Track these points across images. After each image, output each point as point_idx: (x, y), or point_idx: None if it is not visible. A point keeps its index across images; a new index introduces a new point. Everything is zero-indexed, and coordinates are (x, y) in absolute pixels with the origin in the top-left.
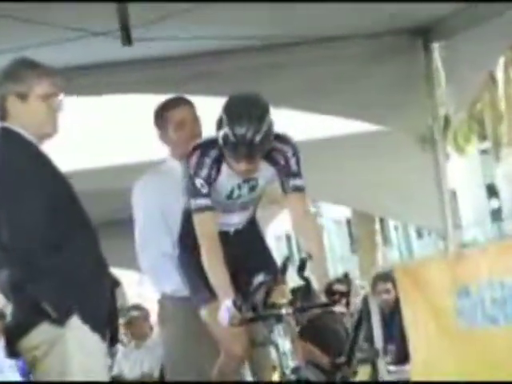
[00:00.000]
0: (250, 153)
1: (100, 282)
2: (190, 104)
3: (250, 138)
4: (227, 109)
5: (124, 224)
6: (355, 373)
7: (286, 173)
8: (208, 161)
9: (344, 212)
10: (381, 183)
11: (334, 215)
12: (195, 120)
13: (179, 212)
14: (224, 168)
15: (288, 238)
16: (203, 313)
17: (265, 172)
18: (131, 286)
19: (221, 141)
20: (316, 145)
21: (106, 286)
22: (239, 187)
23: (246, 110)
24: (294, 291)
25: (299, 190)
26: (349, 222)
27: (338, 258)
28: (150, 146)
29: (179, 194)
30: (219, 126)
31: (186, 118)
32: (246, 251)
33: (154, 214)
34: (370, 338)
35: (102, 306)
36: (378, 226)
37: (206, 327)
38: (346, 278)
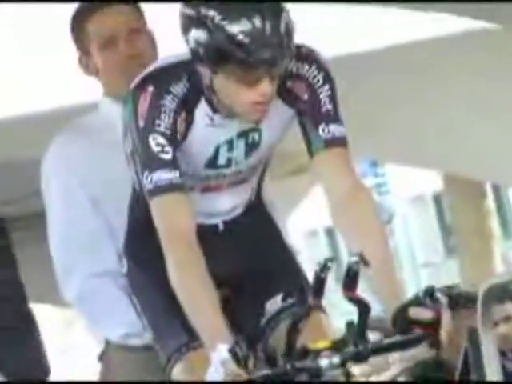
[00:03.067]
0: (272, 58)
1: None
2: (126, 3)
3: (270, 29)
4: None
5: (32, 221)
6: None
7: (314, 114)
8: (170, 101)
9: (428, 183)
10: (495, 132)
11: (408, 189)
12: (139, 32)
13: (125, 197)
14: (200, 112)
15: (329, 233)
16: (177, 371)
17: (275, 116)
18: (53, 333)
19: (202, 51)
20: (369, 61)
21: None
22: (229, 145)
23: None
24: (348, 325)
25: (339, 143)
26: (437, 199)
27: (418, 264)
28: (68, 81)
29: (124, 165)
30: (188, 28)
31: (118, 29)
32: (250, 257)
33: (81, 205)
34: None
35: None
36: (492, 206)
37: None
38: (430, 299)
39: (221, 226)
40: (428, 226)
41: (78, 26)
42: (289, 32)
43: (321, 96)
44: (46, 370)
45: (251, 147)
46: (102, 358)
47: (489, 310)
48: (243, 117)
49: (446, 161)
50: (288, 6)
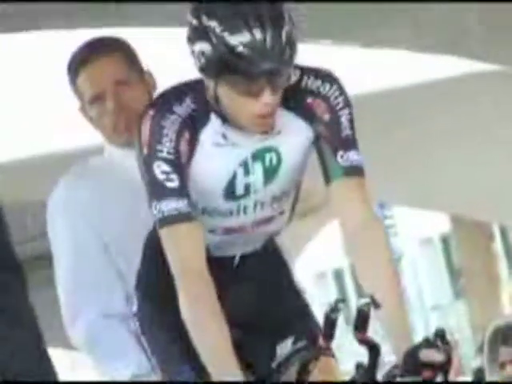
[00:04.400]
0: (274, 68)
1: None
2: (114, 52)
3: (271, 39)
4: (211, 5)
5: (35, 266)
6: None
7: (334, 139)
8: (170, 123)
9: (436, 225)
10: (502, 174)
11: (416, 231)
12: (126, 83)
13: (136, 238)
14: (207, 131)
15: (337, 275)
16: None
17: (292, 134)
18: (60, 373)
19: (205, 62)
20: (375, 102)
21: None
22: (245, 168)
23: (249, 3)
24: (357, 366)
25: (358, 171)
26: (445, 241)
27: (428, 306)
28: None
29: (134, 205)
30: (192, 39)
31: (104, 84)
32: (262, 296)
33: (89, 247)
34: None
35: None
36: (499, 247)
37: None
38: (442, 339)
39: (237, 260)
40: (436, 268)
41: (70, 79)
42: (291, 40)
43: (342, 119)
44: None
45: (271, 172)
46: None
47: (495, 350)
48: (249, 128)
49: (452, 202)
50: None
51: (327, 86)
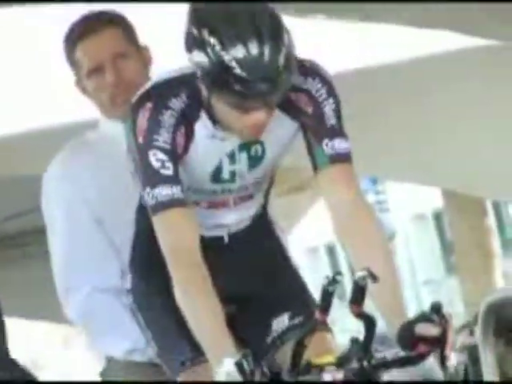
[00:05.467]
0: (269, 91)
1: None
2: (112, 25)
3: (268, 62)
4: (210, 16)
5: (31, 240)
6: None
7: (319, 129)
8: (168, 117)
9: (428, 201)
10: (496, 149)
11: (408, 207)
12: (125, 56)
13: (129, 214)
14: (200, 125)
15: (330, 251)
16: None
17: (278, 129)
18: (52, 350)
19: (201, 73)
20: (376, 76)
21: None
22: (232, 158)
23: (247, 16)
24: (352, 341)
25: (343, 158)
26: (438, 217)
27: (420, 281)
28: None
29: (129, 180)
30: (190, 47)
31: (102, 56)
32: (255, 273)
33: (84, 222)
34: None
35: None
36: (492, 222)
37: None
38: (437, 315)
39: (226, 239)
40: (429, 243)
41: (67, 52)
42: (289, 62)
43: (325, 110)
44: None
45: (254, 160)
46: (103, 375)
47: (489, 326)
48: (239, 135)
49: (446, 178)
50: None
51: (309, 80)
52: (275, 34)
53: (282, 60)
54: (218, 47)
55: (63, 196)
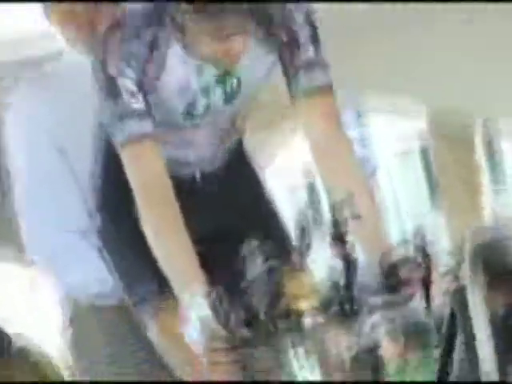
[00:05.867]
0: (245, 15)
1: None
2: None
3: None
4: None
5: None
6: None
7: (294, 59)
8: (139, 45)
9: (415, 136)
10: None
11: (393, 143)
12: None
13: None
14: (172, 55)
15: (311, 188)
16: (152, 326)
17: (254, 61)
18: (18, 294)
19: None
20: None
21: None
22: (207, 92)
23: None
24: (333, 284)
25: (321, 90)
26: (424, 153)
27: (404, 219)
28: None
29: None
30: None
31: None
32: (230, 213)
33: (46, 155)
34: (473, 363)
35: None
36: (482, 160)
37: (162, 355)
38: (423, 254)
39: (198, 177)
40: (414, 181)
41: None
42: None
43: (301, 39)
44: None
45: (230, 94)
46: (71, 320)
47: (477, 267)
48: (214, 64)
49: (431, 96)
50: None
51: (286, 8)
52: None
53: None
54: None
55: (21, 128)
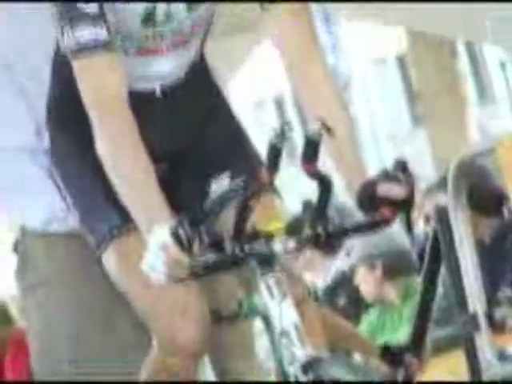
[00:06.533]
0: None
1: None
2: None
3: None
4: None
5: None
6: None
7: None
8: None
9: (391, 43)
10: None
11: (367, 50)
12: None
13: (44, 61)
14: None
15: (278, 104)
16: (108, 257)
17: None
18: None
19: None
20: None
21: None
22: None
23: None
24: (305, 205)
25: None
26: (402, 61)
27: (384, 136)
28: None
29: (43, 25)
30: None
31: None
32: (192, 128)
33: None
34: (458, 291)
35: None
36: (465, 67)
37: (118, 289)
38: (402, 173)
39: (158, 91)
40: (391, 92)
41: None
42: None
43: None
44: None
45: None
46: (17, 249)
47: (460, 186)
48: None
49: (410, 15)
50: None
51: None
52: None
53: None
54: None
55: None
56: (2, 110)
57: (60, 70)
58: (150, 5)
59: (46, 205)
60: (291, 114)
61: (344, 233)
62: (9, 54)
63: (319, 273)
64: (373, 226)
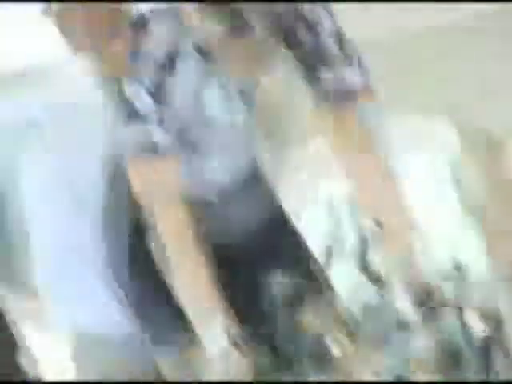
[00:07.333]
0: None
1: None
2: None
3: None
4: None
5: None
6: None
7: (315, 57)
8: (151, 47)
9: (442, 132)
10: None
11: (419, 150)
12: None
13: (100, 172)
14: (186, 59)
15: (330, 203)
16: (167, 365)
17: (274, 64)
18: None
19: None
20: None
21: None
22: (223, 94)
23: None
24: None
25: (345, 95)
26: (454, 165)
27: (436, 235)
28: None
29: (96, 130)
30: None
31: None
32: (247, 229)
33: (49, 183)
34: None
35: None
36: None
37: None
38: (456, 270)
39: (214, 195)
40: (445, 195)
41: None
42: None
43: (322, 36)
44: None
45: (248, 96)
46: (75, 357)
47: None
48: (233, 66)
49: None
50: None
51: (305, 4)
52: None
53: None
54: None
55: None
56: (58, 206)
57: (114, 178)
58: (205, 104)
59: (102, 309)
60: (343, 213)
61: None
62: (69, 171)
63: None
64: (427, 318)
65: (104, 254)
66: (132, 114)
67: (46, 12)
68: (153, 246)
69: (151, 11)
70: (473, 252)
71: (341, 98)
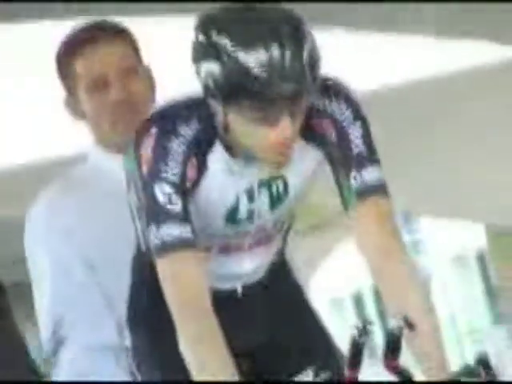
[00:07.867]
0: (293, 92)
1: None
2: (120, 37)
3: (289, 58)
4: (218, 17)
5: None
6: None
7: (345, 159)
8: (177, 145)
9: (470, 240)
10: None
11: (447, 248)
12: (133, 71)
13: (125, 260)
14: (214, 156)
15: (357, 301)
16: None
17: (300, 161)
18: None
19: (213, 85)
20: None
21: None
22: (250, 194)
23: (261, 12)
24: None
25: (374, 191)
26: (481, 258)
27: (462, 332)
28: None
29: (124, 221)
30: (198, 57)
31: (108, 69)
32: (274, 326)
33: (74, 269)
34: None
35: None
36: None
37: None
38: (485, 367)
39: (239, 291)
40: (471, 289)
41: (63, 63)
42: (313, 61)
43: (351, 136)
44: None
45: (276, 198)
46: None
47: None
48: (264, 161)
49: (487, 211)
50: None
51: (333, 102)
52: (295, 28)
53: (305, 56)
54: (229, 46)
55: (50, 243)
56: (82, 307)
57: (140, 269)
58: (233, 204)
59: None
60: (371, 310)
61: None
62: (95, 257)
63: None
64: None
65: (128, 345)
66: (159, 210)
67: None
68: (180, 346)
69: (179, 104)
70: (498, 345)
71: (365, 196)
